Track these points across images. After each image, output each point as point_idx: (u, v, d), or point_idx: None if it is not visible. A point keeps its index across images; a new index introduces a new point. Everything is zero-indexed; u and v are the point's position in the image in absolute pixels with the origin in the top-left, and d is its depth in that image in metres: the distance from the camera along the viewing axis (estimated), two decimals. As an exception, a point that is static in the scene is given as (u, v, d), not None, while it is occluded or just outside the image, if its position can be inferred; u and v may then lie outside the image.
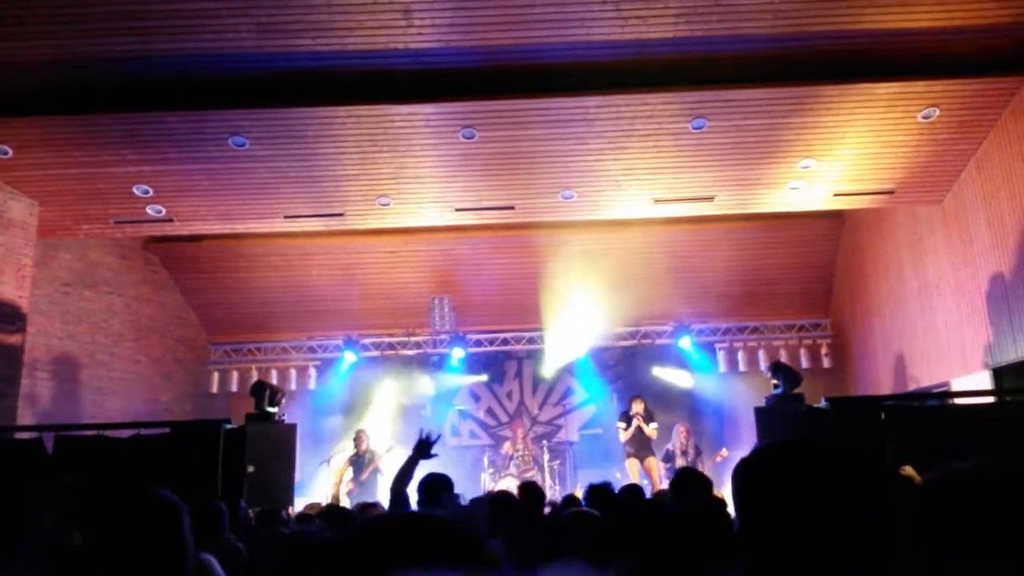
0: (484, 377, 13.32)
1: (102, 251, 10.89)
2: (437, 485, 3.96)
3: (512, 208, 9.27)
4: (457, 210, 9.28)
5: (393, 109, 7.41)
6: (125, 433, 7.63)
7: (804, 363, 12.22)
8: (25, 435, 7.84)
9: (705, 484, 4.07)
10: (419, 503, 3.97)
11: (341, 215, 9.22)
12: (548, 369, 13.05)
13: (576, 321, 12.16)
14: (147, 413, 11.02)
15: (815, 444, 1.22)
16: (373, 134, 7.73)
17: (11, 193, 8.30)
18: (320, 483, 11.31)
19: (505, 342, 13.00)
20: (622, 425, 10.74)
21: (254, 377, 11.88)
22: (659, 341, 12.76)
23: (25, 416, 8.51)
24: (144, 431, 7.60)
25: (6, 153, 7.67)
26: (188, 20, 6.33)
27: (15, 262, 8.39)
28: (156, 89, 7.16)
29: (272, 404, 8.77)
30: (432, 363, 13.10)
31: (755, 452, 1.26)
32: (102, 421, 9.24)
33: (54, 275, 10.04)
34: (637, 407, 10.70)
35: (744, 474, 1.25)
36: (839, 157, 8.37)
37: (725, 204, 9.41)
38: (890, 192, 8.98)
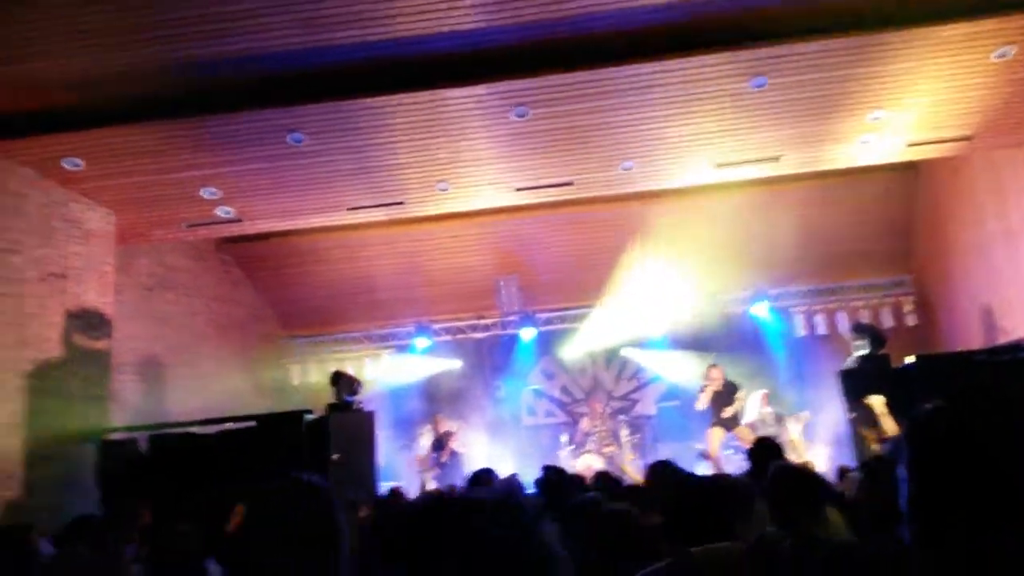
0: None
1: (178, 254, 11.26)
2: (481, 479, 3.99)
3: (571, 184, 9.18)
4: (517, 190, 9.24)
5: (443, 93, 7.39)
6: (213, 429, 7.92)
7: (887, 322, 11.85)
8: (118, 435, 8.22)
9: (776, 451, 4.03)
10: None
11: (401, 203, 9.29)
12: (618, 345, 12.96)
13: (646, 295, 12.03)
14: (231, 408, 11.37)
15: (986, 391, 1.24)
16: (426, 120, 7.74)
17: (88, 204, 8.64)
18: (402, 468, 11.53)
19: (575, 319, 12.95)
20: (701, 393, 10.62)
21: (331, 368, 12.15)
22: (735, 308, 12.51)
23: (116, 418, 8.89)
24: (230, 425, 7.87)
25: (79, 166, 7.97)
26: (237, 21, 6.42)
27: (97, 270, 8.74)
28: (213, 93, 7.32)
29: (351, 393, 8.96)
30: (503, 344, 13.16)
31: (934, 408, 1.26)
32: (189, 419, 9.59)
33: (135, 280, 10.42)
34: (713, 374, 10.54)
35: (926, 427, 1.25)
36: (910, 106, 7.99)
37: (792, 163, 9.11)
38: (968, 139, 8.54)
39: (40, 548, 4.05)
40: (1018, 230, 9.01)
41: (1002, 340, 9.59)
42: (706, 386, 10.49)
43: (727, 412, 10.28)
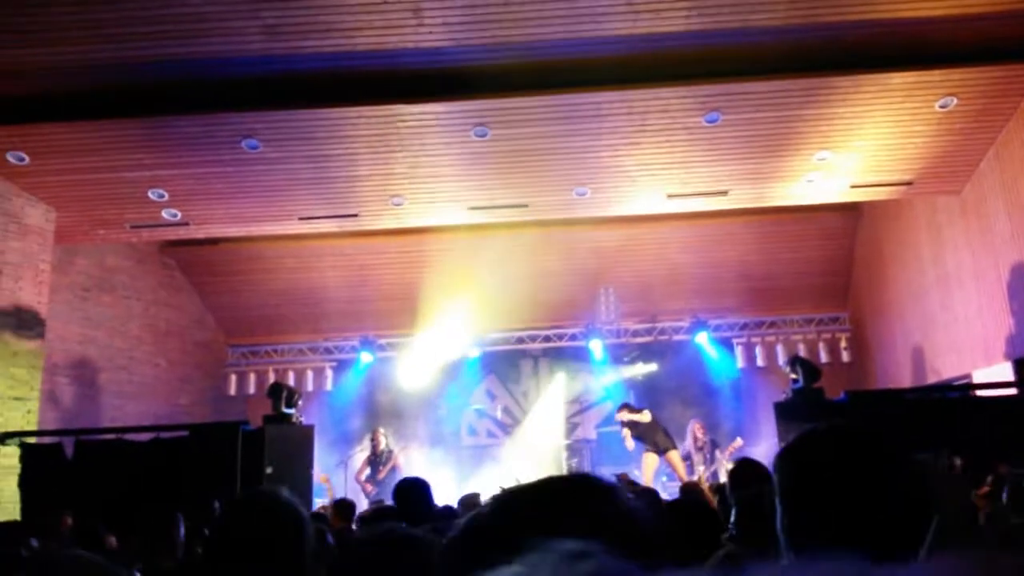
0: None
1: (119, 256, 10.95)
2: (412, 491, 3.89)
3: (526, 206, 9.24)
4: (471, 209, 9.26)
5: (404, 108, 7.40)
6: (144, 436, 7.70)
7: (823, 357, 12.13)
8: (46, 439, 7.92)
9: (765, 475, 4.04)
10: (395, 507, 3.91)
11: (355, 216, 9.23)
12: (564, 368, 13.03)
13: (592, 318, 12.13)
14: (166, 416, 11.09)
15: (851, 426, 1.31)
16: (385, 134, 7.72)
17: (28, 199, 8.37)
18: (338, 483, 11.33)
19: (521, 340, 12.98)
20: (623, 434, 10.60)
21: (271, 379, 11.94)
22: (676, 337, 12.71)
23: (46, 420, 8.58)
24: (163, 434, 7.66)
25: (23, 160, 7.73)
26: (198, 23, 6.34)
27: (33, 268, 8.46)
28: (168, 93, 7.19)
29: (289, 405, 8.81)
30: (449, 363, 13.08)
31: (799, 437, 1.33)
32: (121, 425, 9.31)
33: (72, 281, 10.11)
34: (622, 415, 10.51)
35: (791, 456, 1.32)
36: (855, 148, 8.28)
37: (740, 198, 9.34)
38: (908, 183, 8.87)
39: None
40: (953, 276, 9.36)
41: (932, 380, 9.93)
42: (623, 426, 10.50)
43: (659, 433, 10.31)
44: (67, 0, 6.11)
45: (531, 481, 0.90)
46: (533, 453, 12.18)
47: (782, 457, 1.33)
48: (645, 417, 10.39)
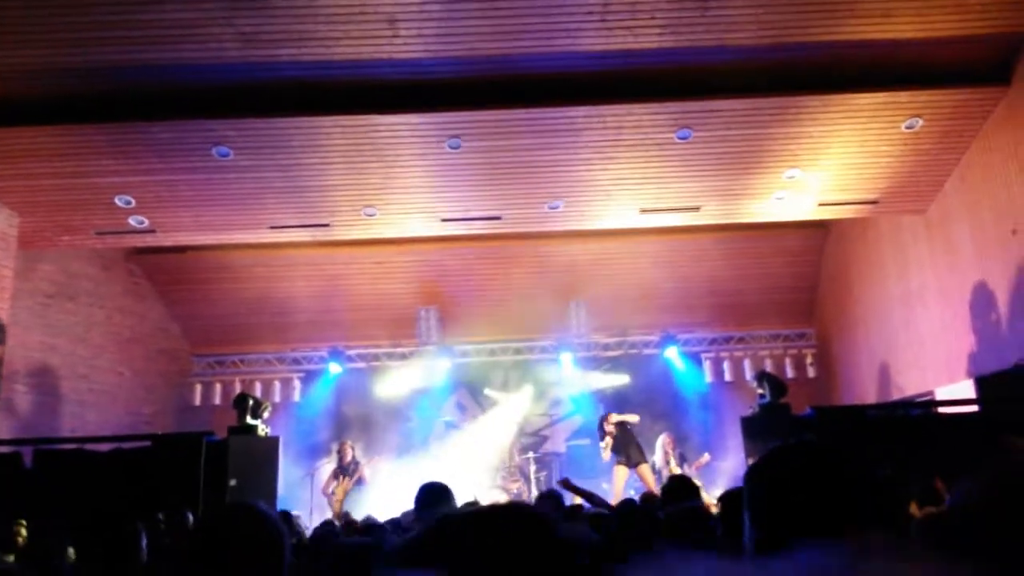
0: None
1: (84, 262, 10.76)
2: (438, 493, 3.88)
3: (499, 218, 9.25)
4: (443, 220, 9.25)
5: (378, 119, 7.38)
6: (105, 446, 7.54)
7: (789, 373, 12.27)
8: (3, 449, 7.73)
9: (694, 491, 4.11)
10: (417, 510, 3.90)
11: (327, 226, 9.17)
12: (535, 380, 13.03)
13: (562, 331, 12.14)
14: (128, 426, 10.89)
15: (815, 443, 1.38)
16: (359, 144, 7.69)
17: (-9, 204, 8.20)
18: (303, 496, 11.19)
19: (492, 353, 12.96)
20: (602, 444, 10.55)
21: (237, 389, 11.78)
22: (646, 351, 12.77)
23: (3, 429, 8.38)
24: (125, 444, 7.51)
25: (-14, 163, 7.58)
26: (171, 29, 6.28)
27: (-5, 273, 8.28)
28: (139, 99, 7.11)
29: (255, 416, 8.70)
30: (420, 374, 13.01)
31: (768, 453, 1.40)
32: (82, 434, 9.12)
33: (35, 287, 9.90)
34: (612, 420, 10.41)
35: (760, 471, 1.39)
36: (823, 167, 8.42)
37: (711, 214, 9.43)
38: (874, 202, 9.03)
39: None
40: (916, 294, 9.53)
41: (895, 396, 10.09)
42: (607, 435, 10.39)
43: (633, 446, 10.30)
44: (41, 3, 6.01)
45: (471, 508, 0.94)
46: (497, 465, 12.17)
47: (752, 472, 1.40)
48: (634, 418, 10.44)
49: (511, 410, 13.03)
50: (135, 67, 6.70)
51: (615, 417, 10.48)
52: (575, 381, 12.88)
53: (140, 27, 6.25)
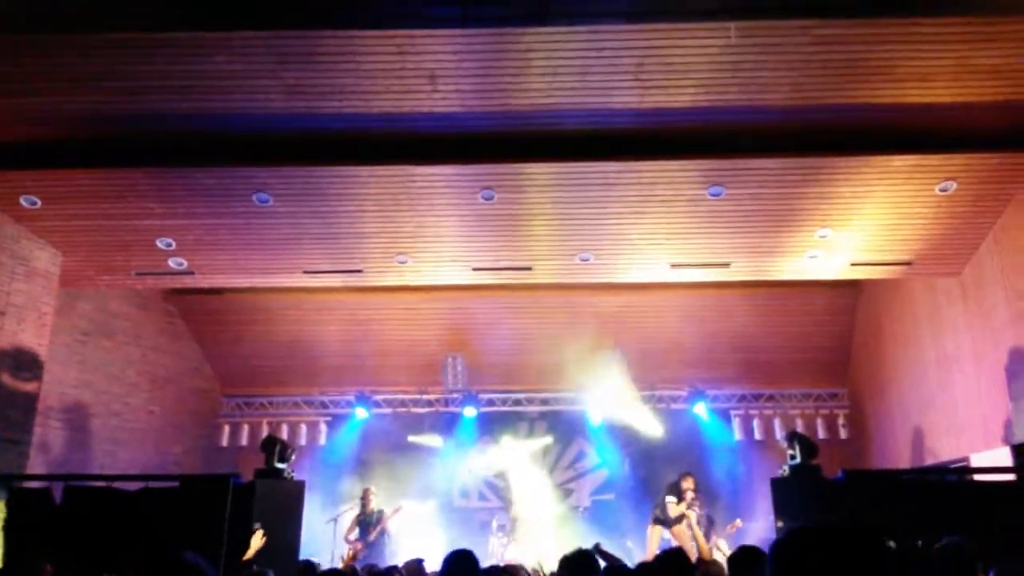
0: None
1: (122, 301, 11.00)
2: (462, 560, 3.90)
3: (530, 269, 9.32)
4: (474, 269, 9.34)
5: (414, 170, 7.53)
6: (134, 485, 7.60)
7: (821, 433, 12.06)
8: (35, 484, 7.82)
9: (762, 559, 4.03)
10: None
11: (360, 272, 9.30)
12: (560, 432, 12.95)
13: (590, 384, 12.07)
14: (158, 464, 10.99)
15: (842, 528, 1.38)
16: (394, 193, 7.84)
17: (37, 243, 8.45)
18: (325, 542, 11.14)
19: (518, 402, 12.92)
20: (672, 500, 9.69)
21: (264, 431, 11.86)
22: (674, 406, 12.65)
23: (36, 464, 8.50)
24: (153, 484, 7.56)
25: (35, 204, 7.83)
26: (222, 80, 6.51)
27: (36, 310, 8.48)
28: (185, 145, 7.33)
29: (282, 460, 8.72)
30: (444, 422, 13.01)
31: (788, 534, 1.41)
32: (112, 472, 9.20)
33: (72, 324, 10.13)
34: (688, 484, 9.67)
35: (782, 551, 1.40)
36: (856, 228, 8.40)
37: (741, 271, 9.42)
38: (908, 263, 8.97)
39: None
40: (951, 357, 9.38)
41: (929, 461, 9.87)
42: (684, 492, 9.54)
43: (674, 511, 9.86)
44: (100, 51, 6.27)
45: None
46: (527, 521, 12.04)
47: (774, 551, 1.42)
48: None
49: (533, 460, 12.94)
50: (183, 114, 6.94)
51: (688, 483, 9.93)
52: (602, 434, 12.78)
53: (194, 77, 6.49)
